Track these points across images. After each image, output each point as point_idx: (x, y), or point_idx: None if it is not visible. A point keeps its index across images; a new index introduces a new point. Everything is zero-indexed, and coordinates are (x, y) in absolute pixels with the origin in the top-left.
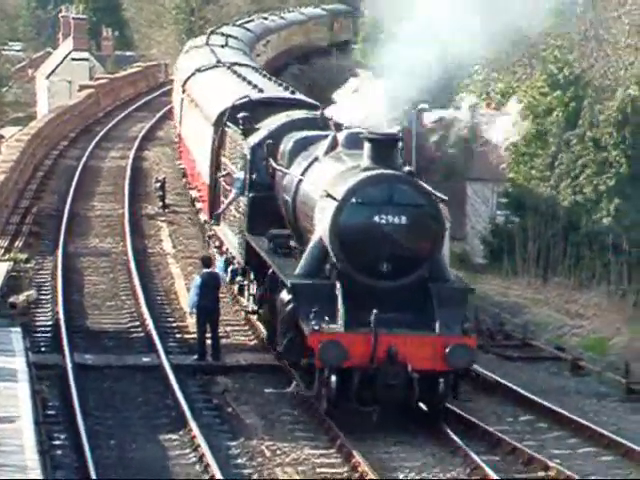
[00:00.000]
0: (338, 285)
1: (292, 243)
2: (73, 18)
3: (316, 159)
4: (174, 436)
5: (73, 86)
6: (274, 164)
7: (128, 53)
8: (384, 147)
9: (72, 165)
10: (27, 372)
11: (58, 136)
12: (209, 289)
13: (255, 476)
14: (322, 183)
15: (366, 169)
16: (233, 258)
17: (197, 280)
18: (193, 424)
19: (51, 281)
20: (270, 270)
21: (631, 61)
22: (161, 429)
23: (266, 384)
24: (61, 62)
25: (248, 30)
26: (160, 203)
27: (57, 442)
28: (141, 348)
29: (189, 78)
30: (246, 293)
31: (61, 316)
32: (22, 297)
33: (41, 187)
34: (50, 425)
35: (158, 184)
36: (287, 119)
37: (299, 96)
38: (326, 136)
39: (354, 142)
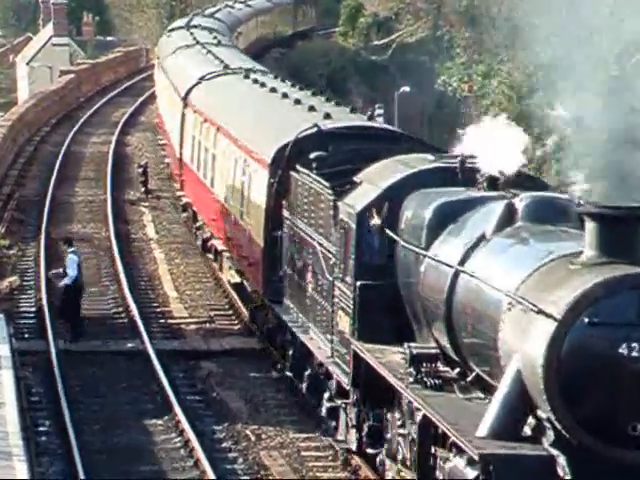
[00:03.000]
0: (561, 458)
1: (440, 366)
2: (53, 3)
3: (482, 239)
4: (159, 421)
5: (54, 72)
6: (401, 241)
7: (109, 38)
8: (621, 228)
9: (54, 151)
10: (11, 359)
11: (39, 122)
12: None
13: (240, 460)
14: (508, 282)
15: (594, 264)
16: (308, 354)
17: (75, 258)
18: (178, 409)
19: (34, 267)
20: (419, 414)
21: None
22: (146, 414)
23: (250, 368)
24: (42, 48)
25: (220, 21)
26: (142, 188)
27: (42, 428)
28: (125, 334)
29: (192, 89)
30: (342, 421)
31: (45, 302)
32: (5, 283)
33: (23, 173)
34: (34, 411)
35: (140, 169)
36: (409, 170)
37: (384, 125)
38: (485, 199)
39: (546, 213)
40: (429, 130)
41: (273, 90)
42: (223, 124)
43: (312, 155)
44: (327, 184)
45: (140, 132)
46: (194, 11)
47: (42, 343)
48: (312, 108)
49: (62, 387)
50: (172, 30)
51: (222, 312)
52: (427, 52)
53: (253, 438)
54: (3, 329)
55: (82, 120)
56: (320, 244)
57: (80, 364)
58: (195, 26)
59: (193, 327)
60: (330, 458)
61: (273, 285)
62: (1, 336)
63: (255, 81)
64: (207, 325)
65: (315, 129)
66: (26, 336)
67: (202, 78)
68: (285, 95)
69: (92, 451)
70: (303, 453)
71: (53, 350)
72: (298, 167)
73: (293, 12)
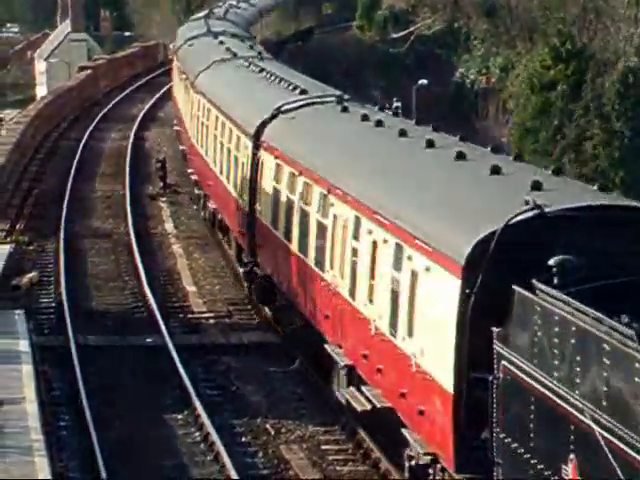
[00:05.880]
0: None
1: None
2: None
3: None
4: (179, 415)
5: (72, 67)
6: None
7: (126, 33)
8: None
9: (72, 146)
10: (31, 354)
11: (58, 117)
12: None
13: (260, 454)
14: None
15: None
16: None
17: None
18: (197, 403)
19: (53, 263)
20: None
21: (630, 32)
22: (166, 409)
23: (269, 362)
24: (59, 44)
25: (234, 23)
26: (161, 183)
27: (62, 423)
28: (144, 328)
29: (265, 124)
30: None
31: (64, 297)
32: (25, 279)
33: (42, 169)
34: (55, 406)
35: (159, 164)
36: None
37: (633, 202)
38: None
39: None
40: (446, 123)
41: (403, 134)
42: (342, 186)
43: (552, 261)
44: (628, 331)
45: (158, 127)
46: (206, 11)
47: (62, 338)
48: (496, 170)
49: (82, 382)
50: (193, 38)
51: (241, 306)
52: (444, 45)
53: (273, 432)
54: (23, 324)
55: (100, 115)
56: (612, 432)
57: (100, 359)
58: (221, 33)
59: (212, 321)
60: (350, 451)
61: (471, 453)
62: (21, 332)
63: (365, 117)
64: (226, 319)
65: (535, 212)
66: (46, 331)
67: (279, 109)
68: (431, 143)
69: (112, 445)
70: (323, 447)
71: (73, 345)
72: (536, 283)
73: (294, 12)
